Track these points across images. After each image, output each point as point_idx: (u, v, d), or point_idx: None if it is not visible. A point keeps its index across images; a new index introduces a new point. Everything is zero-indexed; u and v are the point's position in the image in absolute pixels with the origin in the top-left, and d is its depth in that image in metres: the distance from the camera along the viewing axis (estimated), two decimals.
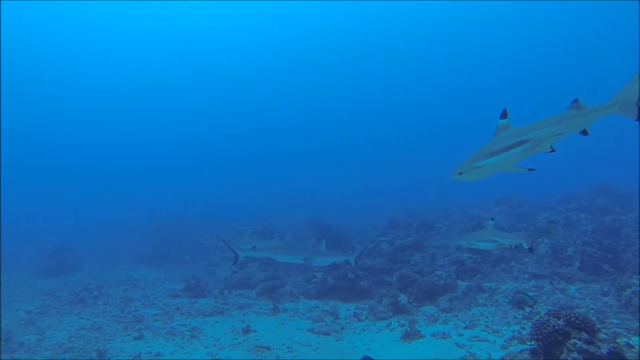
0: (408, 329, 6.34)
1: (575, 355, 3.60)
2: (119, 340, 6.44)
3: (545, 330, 3.87)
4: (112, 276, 12.91)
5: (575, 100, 3.40)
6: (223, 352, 5.90)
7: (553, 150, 3.55)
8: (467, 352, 5.37)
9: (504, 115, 3.76)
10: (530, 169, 3.75)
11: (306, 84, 54.44)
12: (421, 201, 24.13)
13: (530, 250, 6.09)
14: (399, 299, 7.68)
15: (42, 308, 8.47)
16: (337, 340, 6.42)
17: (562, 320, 3.89)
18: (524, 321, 6.27)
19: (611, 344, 3.63)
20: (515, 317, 6.59)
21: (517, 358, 4.07)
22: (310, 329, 6.96)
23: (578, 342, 3.67)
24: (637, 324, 5.60)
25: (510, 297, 7.36)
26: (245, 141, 58.34)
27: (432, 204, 20.91)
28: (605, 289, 7.54)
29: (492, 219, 6.90)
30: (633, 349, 4.20)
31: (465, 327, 6.41)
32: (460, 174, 3.75)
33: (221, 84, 54.28)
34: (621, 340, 4.30)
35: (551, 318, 3.95)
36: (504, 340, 5.65)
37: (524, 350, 4.18)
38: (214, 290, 10.08)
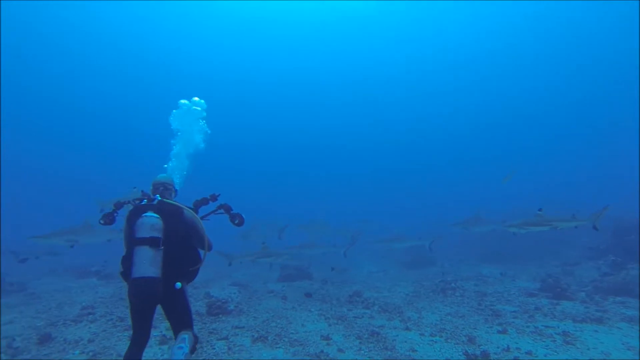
0: None
1: None
2: (483, 331, 6.64)
3: None
4: (462, 271, 13.80)
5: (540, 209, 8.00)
6: None
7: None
8: None
9: (539, 209, 8.00)
10: None
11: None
12: None
13: (595, 228, 7.64)
14: None
15: (414, 293, 10.19)
16: None
17: None
18: None
19: None
20: None
21: None
22: None
23: None
24: None
25: None
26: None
27: None
28: None
29: (540, 209, 8.06)
30: None
31: None
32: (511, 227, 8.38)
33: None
34: None
35: None
36: None
37: None
38: (579, 292, 8.61)
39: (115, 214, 3.73)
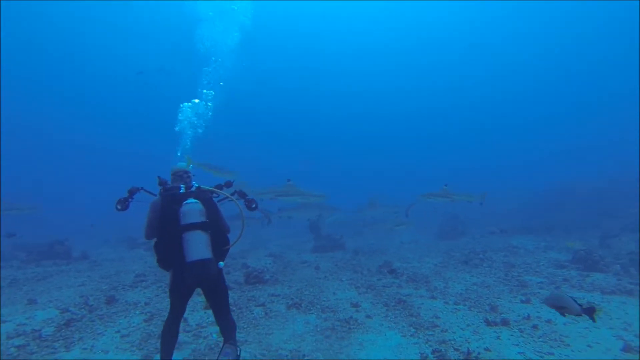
0: None
1: None
2: (507, 300, 6.88)
3: None
4: (493, 243, 13.81)
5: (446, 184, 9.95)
6: None
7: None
8: None
9: (445, 185, 9.96)
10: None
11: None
12: None
13: (481, 204, 10.28)
14: None
15: (443, 263, 10.47)
16: None
17: None
18: None
19: None
20: None
21: None
22: None
23: None
24: None
25: None
26: None
27: None
28: None
29: (445, 184, 9.97)
30: None
31: None
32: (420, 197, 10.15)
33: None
34: None
35: None
36: None
37: None
38: (613, 265, 8.54)
39: (129, 200, 3.75)
